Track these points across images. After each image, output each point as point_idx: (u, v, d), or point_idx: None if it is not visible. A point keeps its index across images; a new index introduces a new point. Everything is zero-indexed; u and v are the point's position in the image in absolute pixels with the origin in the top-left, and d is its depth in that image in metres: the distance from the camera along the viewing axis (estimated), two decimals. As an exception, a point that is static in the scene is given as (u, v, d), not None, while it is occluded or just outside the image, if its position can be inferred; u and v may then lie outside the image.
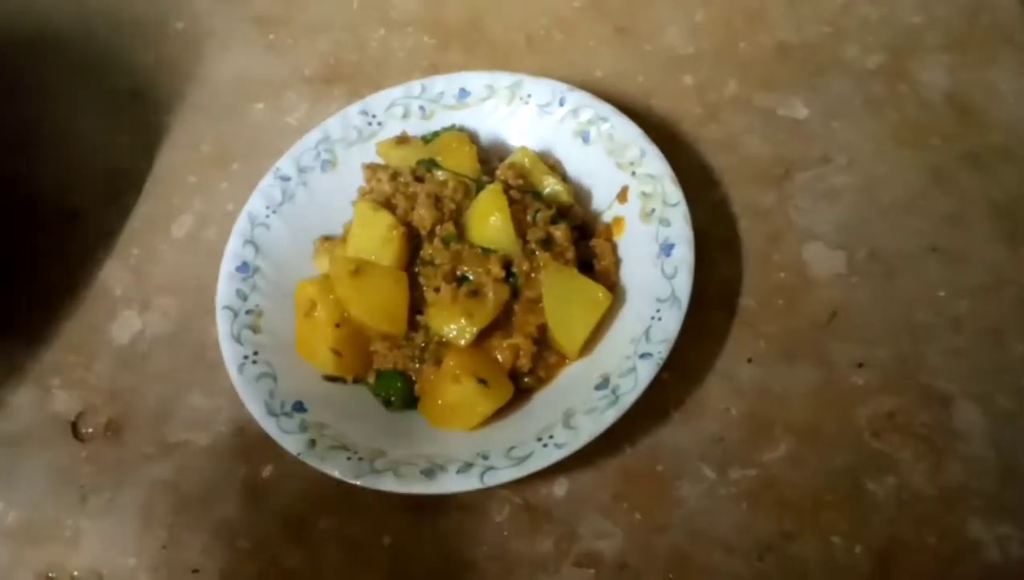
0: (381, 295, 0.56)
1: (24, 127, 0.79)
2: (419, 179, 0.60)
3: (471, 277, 0.56)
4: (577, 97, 0.63)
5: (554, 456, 0.49)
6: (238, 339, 0.57)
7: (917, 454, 0.52)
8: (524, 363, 0.55)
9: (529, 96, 0.65)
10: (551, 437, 0.50)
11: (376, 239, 0.57)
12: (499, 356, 0.55)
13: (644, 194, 0.59)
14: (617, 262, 0.59)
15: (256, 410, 0.54)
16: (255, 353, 0.56)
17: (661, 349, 0.52)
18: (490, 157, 0.64)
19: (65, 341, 0.66)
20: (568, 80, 0.65)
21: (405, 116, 0.66)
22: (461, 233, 0.58)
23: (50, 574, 0.56)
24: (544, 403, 0.55)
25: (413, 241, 0.58)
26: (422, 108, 0.67)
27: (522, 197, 0.59)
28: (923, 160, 0.63)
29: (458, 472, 0.50)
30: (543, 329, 0.56)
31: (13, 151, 0.77)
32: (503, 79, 0.66)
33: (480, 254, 0.56)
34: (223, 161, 0.73)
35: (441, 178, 0.60)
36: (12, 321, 0.67)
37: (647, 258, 0.56)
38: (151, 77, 0.81)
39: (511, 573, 0.52)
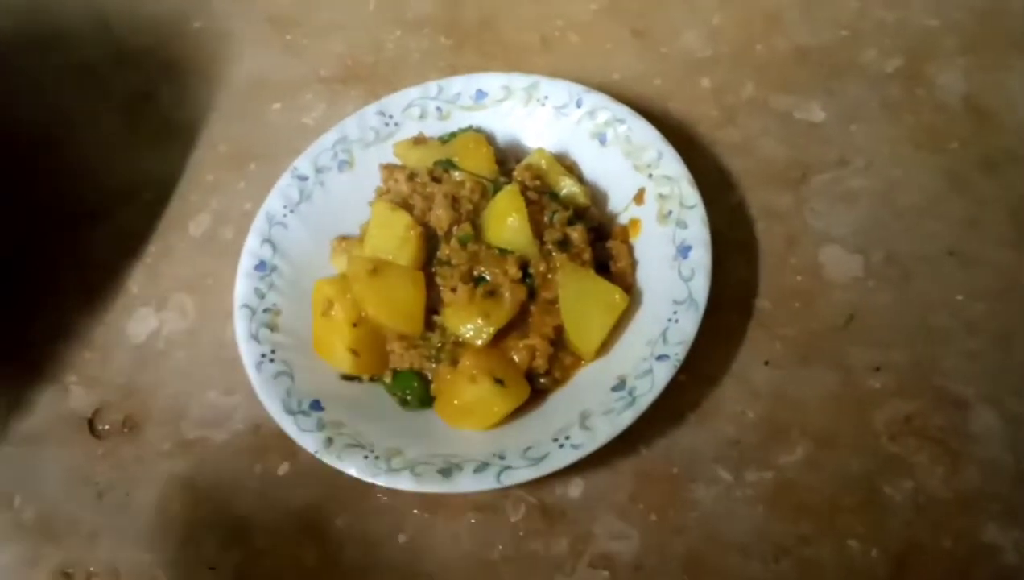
0: (398, 295, 0.56)
1: (41, 126, 0.79)
2: (436, 180, 0.61)
3: (488, 278, 0.56)
4: (594, 99, 0.64)
5: (571, 457, 0.50)
6: (256, 337, 0.57)
7: (933, 458, 0.52)
8: (540, 364, 0.55)
9: (546, 97, 0.65)
10: (567, 438, 0.50)
11: (394, 239, 0.57)
12: (515, 357, 0.55)
13: (661, 196, 0.59)
14: (633, 264, 0.59)
15: (274, 408, 0.54)
16: (272, 351, 0.57)
17: (678, 351, 0.52)
18: (507, 158, 0.65)
19: (82, 339, 0.66)
20: (584, 82, 0.65)
21: (422, 117, 0.67)
22: (478, 234, 0.58)
23: (67, 570, 0.57)
24: (560, 404, 0.55)
25: (430, 241, 0.58)
26: (439, 109, 0.67)
27: (539, 198, 0.59)
28: (940, 164, 0.63)
29: (475, 472, 0.50)
30: (559, 330, 0.56)
31: (31, 150, 0.78)
32: (520, 80, 0.66)
33: (497, 255, 0.57)
34: (240, 160, 0.73)
35: (458, 179, 0.60)
36: (29, 319, 0.67)
37: (664, 260, 0.57)
38: (168, 77, 0.81)
39: (526, 573, 0.52)
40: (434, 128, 0.66)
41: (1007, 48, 0.68)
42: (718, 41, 0.73)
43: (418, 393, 0.56)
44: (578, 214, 0.60)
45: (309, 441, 0.52)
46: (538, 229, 0.57)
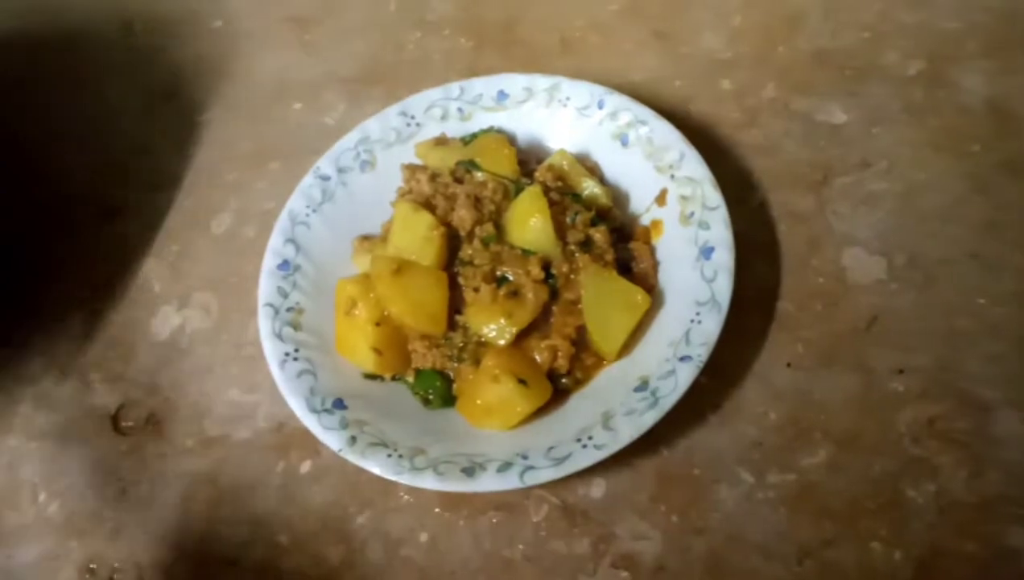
0: (421, 295, 0.56)
1: (63, 125, 0.80)
2: (458, 180, 0.61)
3: (511, 278, 0.56)
4: (616, 100, 0.64)
5: (594, 457, 0.50)
6: (279, 336, 0.57)
7: (957, 461, 0.52)
8: (562, 364, 0.55)
9: (567, 99, 0.65)
10: (590, 438, 0.51)
11: (417, 239, 0.57)
12: (537, 357, 0.56)
13: (683, 197, 0.59)
14: (656, 265, 0.59)
15: (298, 407, 0.54)
16: (296, 350, 0.57)
17: (701, 352, 0.52)
18: (528, 159, 0.65)
19: (105, 336, 0.67)
20: (605, 83, 0.65)
21: (444, 117, 0.67)
22: (501, 234, 0.58)
23: (91, 565, 0.57)
24: (582, 404, 0.55)
25: (453, 242, 0.58)
26: (460, 110, 0.67)
27: (561, 199, 0.59)
28: (962, 166, 0.63)
29: (498, 471, 0.50)
30: (581, 330, 0.56)
31: (52, 149, 0.78)
32: (541, 81, 0.66)
33: (520, 255, 0.57)
34: (261, 160, 0.74)
35: (480, 179, 0.61)
36: (52, 316, 0.68)
37: (686, 261, 0.57)
38: (188, 76, 0.82)
39: (548, 573, 0.52)
40: (456, 129, 0.66)
41: (1030, 51, 0.68)
42: (739, 42, 0.73)
43: (441, 392, 0.56)
44: (600, 215, 0.60)
45: (333, 439, 0.52)
46: (560, 230, 0.57)
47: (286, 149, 0.74)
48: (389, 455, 0.52)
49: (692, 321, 0.54)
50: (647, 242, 0.60)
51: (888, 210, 0.61)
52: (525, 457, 0.50)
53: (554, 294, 0.56)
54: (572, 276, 0.57)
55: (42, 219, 0.73)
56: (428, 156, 0.65)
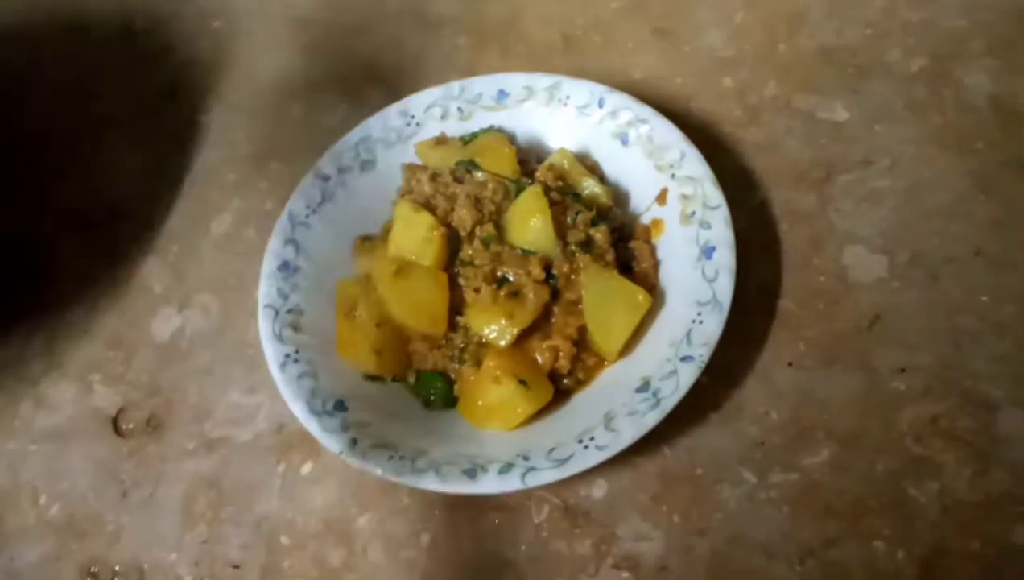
0: (422, 295, 0.56)
1: (63, 125, 0.80)
2: (458, 180, 0.61)
3: (511, 278, 0.56)
4: (616, 99, 0.63)
5: (595, 458, 0.49)
6: (280, 338, 0.57)
7: (961, 459, 0.52)
8: (563, 365, 0.55)
9: (568, 97, 0.65)
10: (592, 439, 0.50)
11: (417, 239, 0.57)
12: (538, 357, 0.55)
13: (684, 196, 0.58)
14: (656, 264, 0.59)
15: (298, 409, 0.54)
16: (296, 352, 0.57)
17: (702, 352, 0.52)
18: (528, 158, 0.65)
19: (106, 337, 0.67)
20: (606, 82, 0.65)
21: (444, 117, 0.67)
22: (501, 234, 0.58)
23: (92, 568, 0.57)
24: (583, 405, 0.55)
25: (453, 242, 0.58)
26: (460, 109, 0.67)
27: (562, 199, 0.59)
28: (966, 164, 0.62)
29: (499, 473, 0.50)
30: (582, 331, 0.56)
31: (52, 149, 0.78)
32: (541, 80, 0.66)
33: (520, 255, 0.57)
34: (262, 160, 0.74)
35: (480, 179, 0.60)
36: (52, 317, 0.68)
37: (687, 260, 0.56)
38: (189, 75, 0.82)
39: (550, 574, 0.52)
40: (456, 128, 0.66)
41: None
42: (741, 40, 0.72)
43: (442, 393, 0.56)
44: (601, 215, 0.60)
45: (334, 442, 0.52)
46: (561, 230, 0.57)
47: (287, 149, 0.73)
48: (391, 457, 0.51)
49: (694, 321, 0.53)
50: (648, 241, 0.60)
51: (890, 208, 0.61)
52: (527, 458, 0.50)
53: (555, 294, 0.56)
54: (573, 276, 0.56)
55: (42, 219, 0.73)
56: (428, 156, 0.64)
